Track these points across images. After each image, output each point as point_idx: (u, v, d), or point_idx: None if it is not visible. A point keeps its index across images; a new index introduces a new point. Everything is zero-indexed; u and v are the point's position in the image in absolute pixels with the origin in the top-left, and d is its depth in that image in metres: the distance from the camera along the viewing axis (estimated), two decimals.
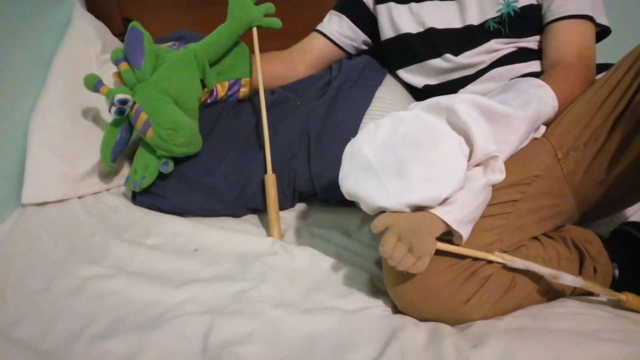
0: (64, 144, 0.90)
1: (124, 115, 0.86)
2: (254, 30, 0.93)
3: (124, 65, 0.87)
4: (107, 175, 0.95)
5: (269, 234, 0.84)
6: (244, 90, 0.98)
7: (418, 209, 0.60)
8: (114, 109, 0.84)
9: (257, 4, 0.93)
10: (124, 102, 0.83)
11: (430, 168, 0.59)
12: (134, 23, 0.88)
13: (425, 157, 0.60)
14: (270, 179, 0.85)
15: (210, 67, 0.91)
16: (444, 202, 0.60)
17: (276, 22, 0.94)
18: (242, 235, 0.81)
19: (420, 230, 0.59)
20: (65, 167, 0.89)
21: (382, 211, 0.62)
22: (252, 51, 0.94)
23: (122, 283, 0.69)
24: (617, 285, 0.71)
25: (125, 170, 0.98)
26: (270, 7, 0.94)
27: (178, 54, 0.89)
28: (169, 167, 0.86)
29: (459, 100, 0.63)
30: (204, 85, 0.92)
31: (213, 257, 0.76)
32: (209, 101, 0.96)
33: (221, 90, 0.95)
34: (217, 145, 0.91)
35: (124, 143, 0.90)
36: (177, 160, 0.88)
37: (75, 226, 0.82)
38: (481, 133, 0.62)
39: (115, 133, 0.88)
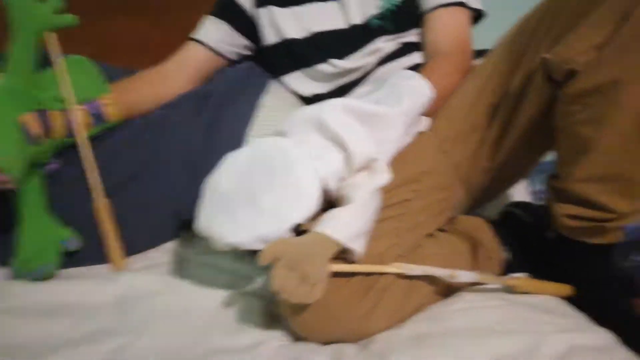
0: None
1: None
2: (50, 35, 0.74)
3: None
4: None
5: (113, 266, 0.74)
6: (111, 110, 0.81)
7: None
8: None
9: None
10: None
11: (282, 194, 0.58)
12: None
13: (279, 183, 0.58)
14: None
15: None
16: (322, 220, 0.57)
17: (70, 19, 0.75)
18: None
19: (311, 255, 0.55)
20: None
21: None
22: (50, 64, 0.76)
23: None
24: (510, 267, 0.72)
25: None
26: (57, 2, 0.74)
27: None
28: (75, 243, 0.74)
29: (328, 110, 0.62)
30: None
31: (85, 310, 0.65)
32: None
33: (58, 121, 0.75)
34: None
35: None
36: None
37: None
38: (355, 138, 0.61)
39: None
